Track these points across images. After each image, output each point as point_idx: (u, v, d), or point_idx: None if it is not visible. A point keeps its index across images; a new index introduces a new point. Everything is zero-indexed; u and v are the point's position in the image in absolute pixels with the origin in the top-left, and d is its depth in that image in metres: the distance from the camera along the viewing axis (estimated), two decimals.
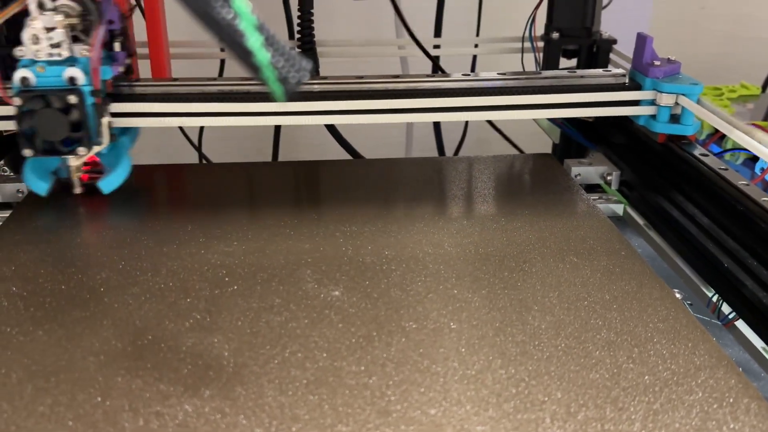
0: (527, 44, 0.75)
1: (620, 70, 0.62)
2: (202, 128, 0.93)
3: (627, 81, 0.62)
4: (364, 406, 0.37)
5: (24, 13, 0.53)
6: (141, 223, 0.55)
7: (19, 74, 0.53)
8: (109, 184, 0.58)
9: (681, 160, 0.59)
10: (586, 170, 0.66)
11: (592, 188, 0.66)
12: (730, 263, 0.51)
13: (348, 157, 0.89)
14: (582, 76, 0.63)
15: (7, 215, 0.56)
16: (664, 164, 0.61)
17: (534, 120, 0.81)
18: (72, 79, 0.53)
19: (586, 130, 0.72)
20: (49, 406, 0.36)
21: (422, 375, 0.39)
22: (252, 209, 0.58)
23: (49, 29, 0.53)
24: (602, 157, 0.68)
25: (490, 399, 0.37)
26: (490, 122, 0.92)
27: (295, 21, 0.73)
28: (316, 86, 0.59)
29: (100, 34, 0.54)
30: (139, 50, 0.65)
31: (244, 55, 0.28)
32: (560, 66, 0.75)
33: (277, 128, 0.94)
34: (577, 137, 0.72)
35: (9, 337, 0.41)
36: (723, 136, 0.59)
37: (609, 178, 0.66)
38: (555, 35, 0.73)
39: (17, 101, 0.53)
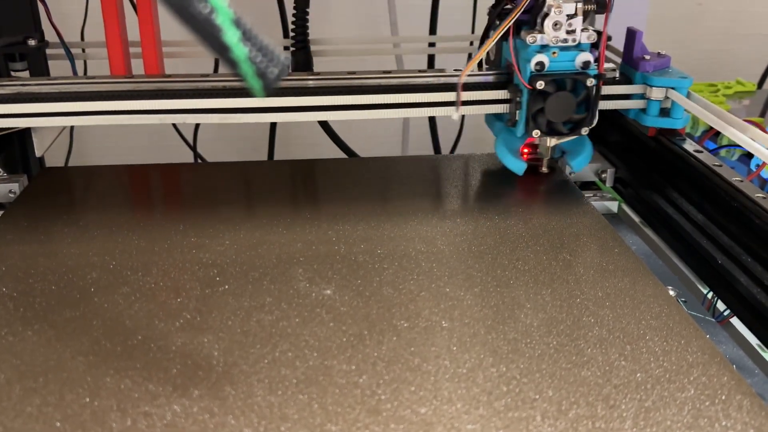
0: None
1: (610, 65, 0.62)
2: (197, 127, 0.93)
3: (617, 75, 0.62)
4: (354, 405, 0.36)
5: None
6: (133, 223, 0.55)
7: (535, 59, 0.56)
8: (579, 164, 0.62)
9: (676, 157, 0.59)
10: None
11: (586, 185, 0.66)
12: (725, 260, 0.51)
13: (343, 156, 0.88)
14: None
15: None
16: (658, 161, 0.61)
17: None
18: (586, 64, 0.57)
19: None
20: (37, 407, 0.36)
21: (413, 373, 0.38)
22: (245, 208, 0.58)
23: (570, 16, 0.56)
24: (597, 155, 0.68)
25: (481, 397, 0.37)
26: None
27: (290, 20, 0.73)
28: (310, 82, 0.59)
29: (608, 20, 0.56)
30: (132, 49, 0.65)
31: (222, 51, 0.28)
32: None
33: (273, 127, 0.94)
34: None
35: None
36: (718, 133, 0.59)
37: (604, 175, 0.66)
38: None
39: (539, 84, 0.56)
